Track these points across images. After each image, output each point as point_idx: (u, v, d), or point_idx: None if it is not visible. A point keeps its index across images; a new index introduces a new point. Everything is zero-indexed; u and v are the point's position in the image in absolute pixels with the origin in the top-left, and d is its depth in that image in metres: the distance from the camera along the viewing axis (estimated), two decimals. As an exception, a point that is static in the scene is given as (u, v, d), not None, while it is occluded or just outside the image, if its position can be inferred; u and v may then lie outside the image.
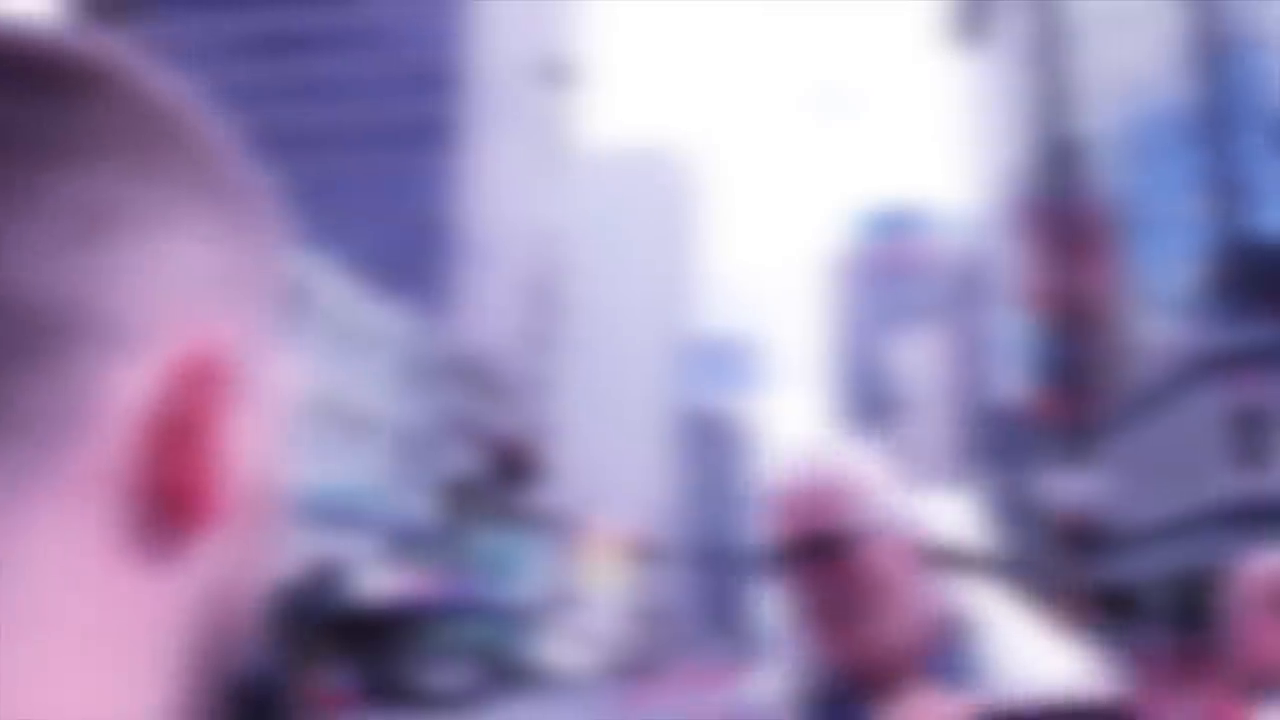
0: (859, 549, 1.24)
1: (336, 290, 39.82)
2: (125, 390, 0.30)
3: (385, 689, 32.20)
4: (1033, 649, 1.22)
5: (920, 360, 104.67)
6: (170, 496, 0.31)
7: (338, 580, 35.04)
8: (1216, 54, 29.25)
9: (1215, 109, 28.92)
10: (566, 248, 79.88)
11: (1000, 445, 58.06)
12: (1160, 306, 31.96)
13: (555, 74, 77.18)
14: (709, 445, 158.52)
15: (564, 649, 63.35)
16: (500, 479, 52.60)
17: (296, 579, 33.08)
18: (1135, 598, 32.42)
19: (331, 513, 38.03)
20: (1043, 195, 44.83)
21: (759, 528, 1.33)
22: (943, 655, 1.23)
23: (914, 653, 1.22)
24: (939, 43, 72.40)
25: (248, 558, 0.34)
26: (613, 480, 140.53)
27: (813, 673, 1.31)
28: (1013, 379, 51.97)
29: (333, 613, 34.24)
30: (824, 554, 1.24)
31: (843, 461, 1.31)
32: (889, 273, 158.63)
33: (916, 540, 1.31)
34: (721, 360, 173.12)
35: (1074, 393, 39.99)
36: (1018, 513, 50.33)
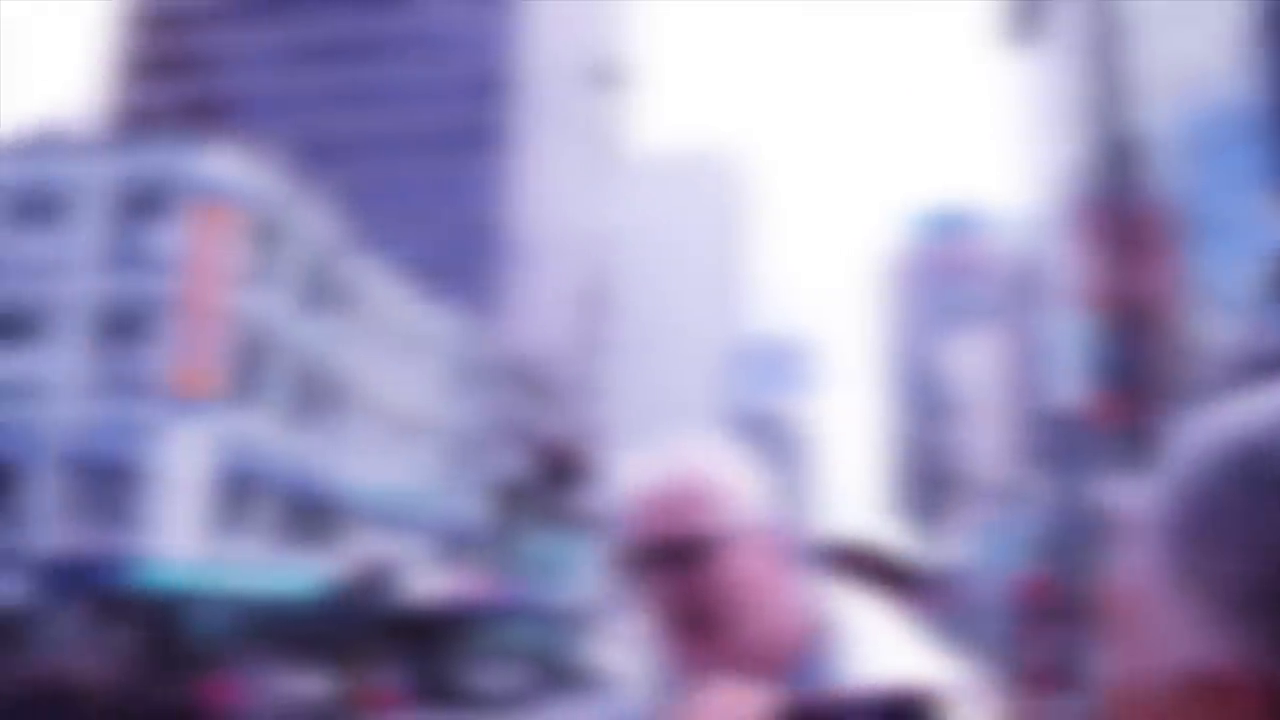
0: (717, 554, 1.17)
1: (390, 293, 40.18)
2: None
3: (435, 689, 32.38)
4: (897, 655, 1.15)
5: (976, 362, 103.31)
6: None
7: (390, 581, 35.31)
8: (1278, 47, 28.49)
9: (1277, 104, 28.18)
10: (617, 250, 79.96)
11: (1057, 449, 57.04)
12: (1221, 307, 31.20)
13: (606, 77, 77.30)
14: (763, 448, 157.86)
15: (613, 652, 63.34)
16: (550, 482, 52.73)
17: (349, 579, 33.39)
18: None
19: (383, 514, 38.35)
20: (1100, 194, 44.05)
21: (615, 533, 1.26)
22: (805, 661, 1.16)
23: (774, 660, 1.15)
24: (993, 41, 71.42)
25: None
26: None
27: (674, 681, 1.25)
28: (1070, 382, 51.10)
29: (384, 613, 34.51)
30: (681, 560, 1.17)
31: (700, 464, 1.24)
32: (944, 274, 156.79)
33: (782, 543, 1.23)
34: (775, 362, 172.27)
35: (1133, 396, 39.16)
36: (1075, 518, 49.42)
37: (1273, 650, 0.39)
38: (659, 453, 1.26)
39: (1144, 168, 39.75)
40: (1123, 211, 40.78)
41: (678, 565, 1.17)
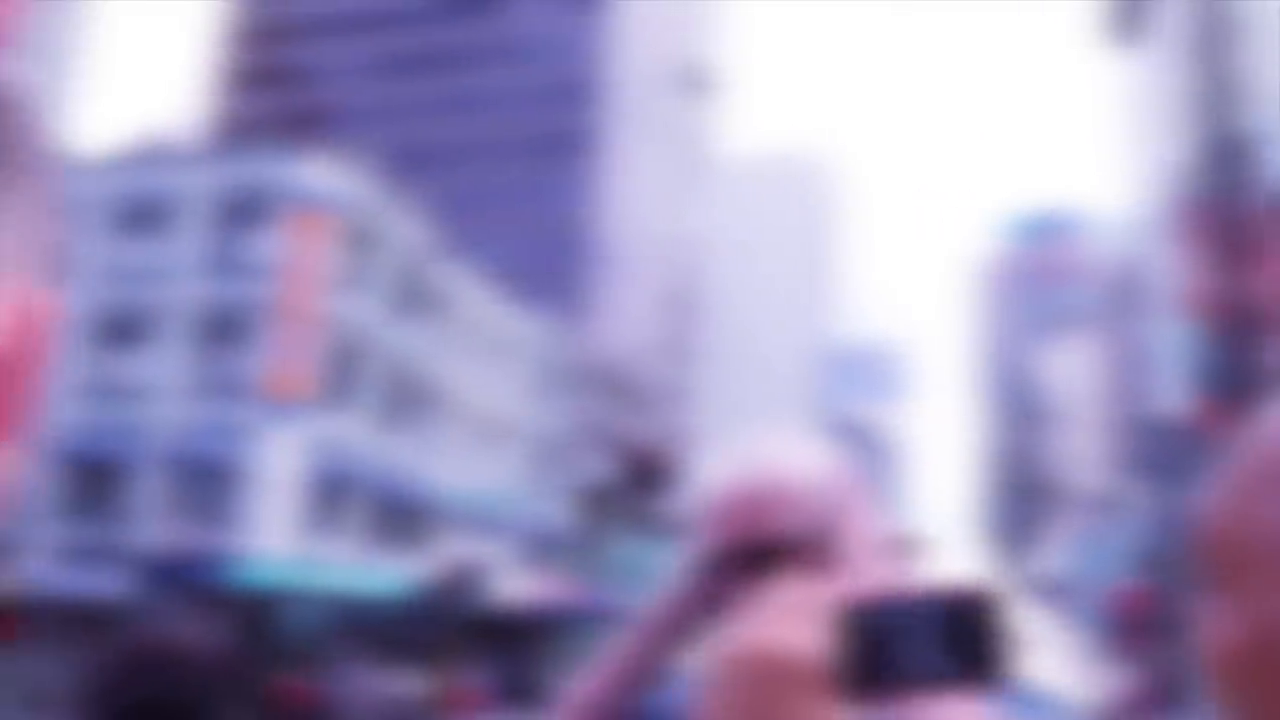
0: (809, 555, 1.12)
1: (479, 298, 40.68)
2: None
3: (521, 691, 32.63)
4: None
5: (1073, 369, 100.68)
6: None
7: (477, 583, 35.71)
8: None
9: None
10: (705, 255, 79.80)
11: (1159, 459, 55.18)
12: (1336, 312, 29.87)
13: (694, 82, 77.24)
14: (853, 455, 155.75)
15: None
16: (636, 486, 52.79)
17: (438, 580, 33.85)
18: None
19: (471, 516, 38.80)
20: (1205, 196, 42.52)
21: (698, 537, 1.20)
22: None
23: None
24: (1094, 41, 69.51)
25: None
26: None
27: None
28: (1173, 389, 49.46)
29: (472, 615, 34.89)
30: (771, 561, 1.12)
31: (788, 461, 1.17)
32: (1040, 278, 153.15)
33: (873, 537, 1.16)
34: (865, 368, 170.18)
35: (1239, 403, 37.72)
36: (1177, 529, 47.76)
37: None
38: (743, 451, 1.21)
39: (1250, 168, 38.25)
40: (1228, 213, 39.31)
41: (769, 568, 1.13)
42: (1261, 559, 0.44)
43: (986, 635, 0.64)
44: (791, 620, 0.62)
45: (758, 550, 1.13)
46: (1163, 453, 52.88)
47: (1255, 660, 0.45)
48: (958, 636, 0.64)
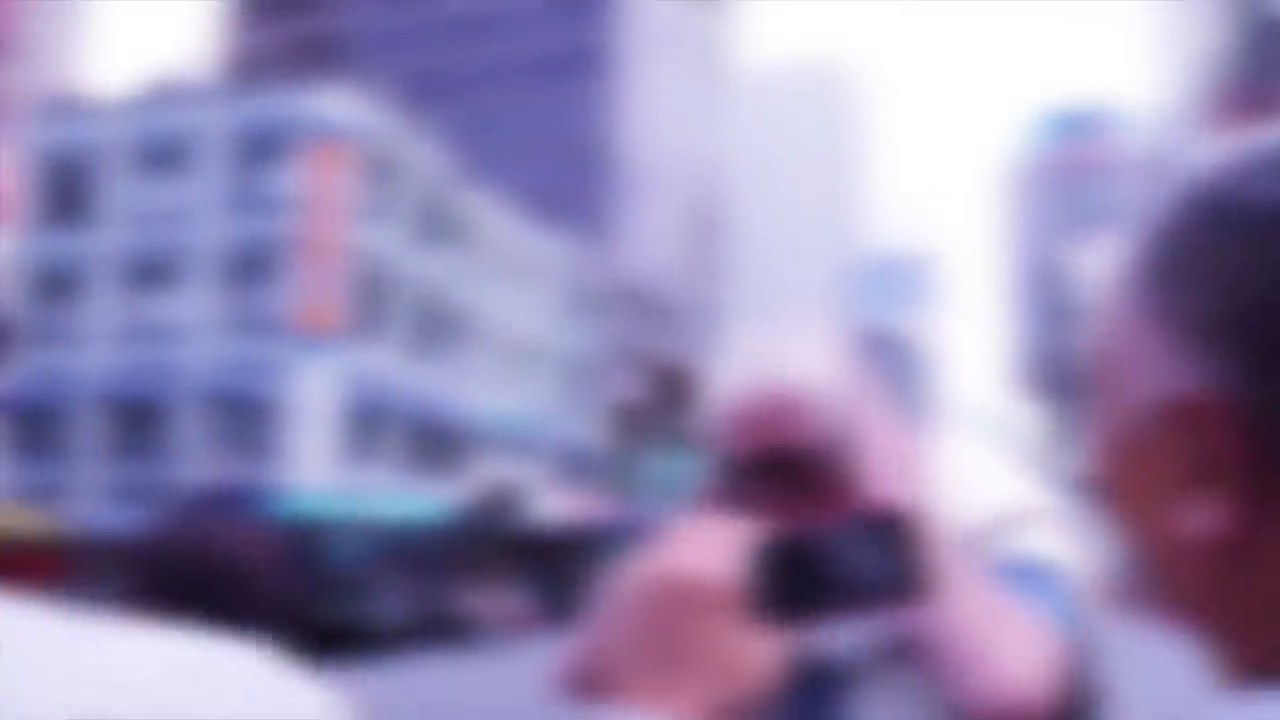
0: (828, 464, 1.05)
1: (501, 223, 40.53)
2: None
3: (560, 610, 33.24)
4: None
5: (1109, 268, 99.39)
6: None
7: (514, 503, 36.22)
8: None
9: None
10: (729, 170, 78.86)
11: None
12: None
13: (711, -9, 75.54)
14: (884, 368, 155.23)
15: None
16: (666, 403, 53.01)
17: (475, 503, 34.36)
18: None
19: (505, 440, 39.20)
20: (1240, 82, 41.36)
21: (714, 442, 1.12)
22: None
23: None
24: (1122, -76, 67.27)
25: None
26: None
27: None
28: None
29: (511, 534, 35.44)
30: (789, 471, 1.06)
31: (806, 365, 1.09)
32: (1073, 177, 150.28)
33: (897, 445, 1.09)
34: (895, 278, 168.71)
35: None
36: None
37: (1238, 374, 0.41)
38: (760, 353, 1.13)
39: (1288, 51, 37.14)
40: (1265, 98, 38.27)
41: (787, 476, 1.06)
42: (1104, 374, 0.49)
43: (908, 555, 0.63)
44: (704, 544, 0.62)
45: (781, 460, 1.06)
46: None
47: (1102, 464, 0.49)
48: (878, 558, 0.63)
